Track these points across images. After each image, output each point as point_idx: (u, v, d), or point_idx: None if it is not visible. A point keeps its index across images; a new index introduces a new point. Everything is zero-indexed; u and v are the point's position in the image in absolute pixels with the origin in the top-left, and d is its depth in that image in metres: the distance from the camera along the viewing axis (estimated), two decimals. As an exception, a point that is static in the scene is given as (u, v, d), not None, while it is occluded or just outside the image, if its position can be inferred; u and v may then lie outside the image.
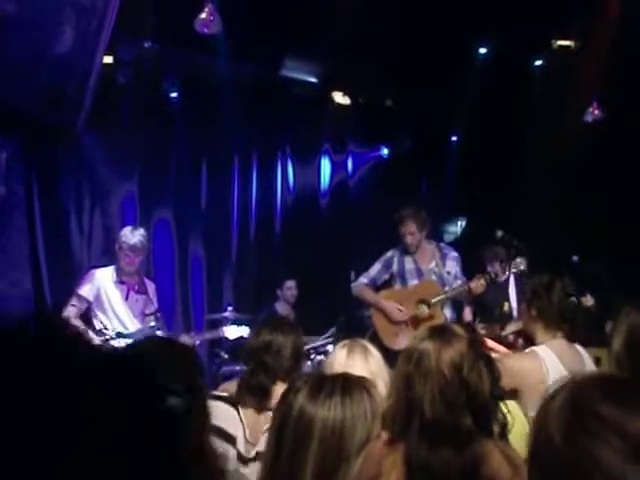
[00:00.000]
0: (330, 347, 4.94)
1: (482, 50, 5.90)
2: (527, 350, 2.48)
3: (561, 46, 5.41)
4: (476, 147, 6.19)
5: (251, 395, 2.08)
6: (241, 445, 2.01)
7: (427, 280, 4.26)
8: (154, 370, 0.87)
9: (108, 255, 4.08)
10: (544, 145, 5.88)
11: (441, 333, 1.64)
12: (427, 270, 4.27)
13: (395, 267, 4.30)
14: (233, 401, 2.08)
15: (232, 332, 4.34)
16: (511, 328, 4.03)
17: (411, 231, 4.23)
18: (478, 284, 4.09)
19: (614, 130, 5.37)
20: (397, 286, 4.32)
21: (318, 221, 6.83)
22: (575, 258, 4.69)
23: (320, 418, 1.23)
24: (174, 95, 5.69)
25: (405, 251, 4.30)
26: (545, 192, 5.82)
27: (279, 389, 2.02)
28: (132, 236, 3.99)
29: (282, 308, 5.80)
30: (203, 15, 4.47)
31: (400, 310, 4.16)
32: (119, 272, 4.04)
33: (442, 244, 4.59)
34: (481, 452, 1.49)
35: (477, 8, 5.01)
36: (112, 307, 4.00)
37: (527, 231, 4.88)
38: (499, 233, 4.03)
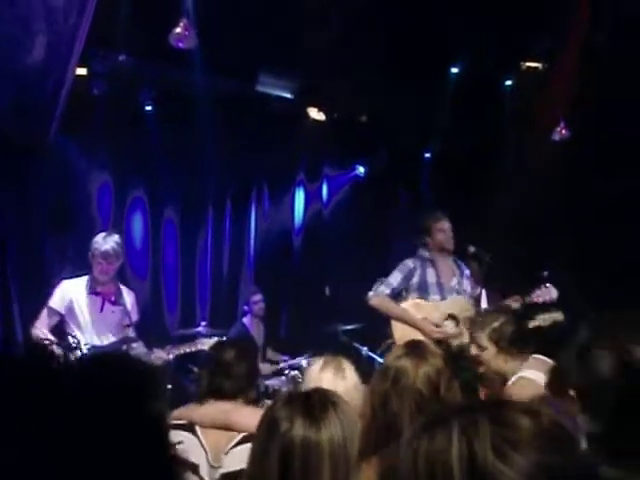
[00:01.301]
0: (304, 362, 4.94)
1: (454, 69, 6.02)
2: (516, 379, 2.53)
3: (529, 67, 5.56)
4: (450, 164, 6.30)
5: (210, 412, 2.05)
6: (204, 471, 1.96)
7: (457, 298, 4.07)
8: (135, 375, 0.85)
9: (84, 269, 3.92)
10: (515, 162, 6.01)
11: (417, 350, 1.65)
12: (449, 287, 4.09)
13: (416, 279, 4.05)
14: (191, 426, 2.02)
15: (210, 345, 4.15)
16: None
17: (448, 228, 4.10)
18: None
19: (581, 149, 5.52)
20: (413, 298, 4.04)
21: (293, 241, 6.87)
22: (545, 273, 4.78)
23: (326, 439, 1.25)
24: (149, 108, 5.67)
25: (427, 263, 4.09)
26: (516, 207, 5.93)
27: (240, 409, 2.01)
28: (104, 242, 3.75)
29: (250, 323, 5.79)
30: (178, 30, 4.45)
31: (438, 326, 3.94)
32: (93, 282, 3.81)
33: (456, 259, 4.31)
34: None
35: (449, 28, 5.13)
36: (85, 320, 3.78)
37: (500, 245, 4.96)
38: (471, 249, 4.09)
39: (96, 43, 4.23)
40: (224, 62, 5.30)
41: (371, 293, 4.08)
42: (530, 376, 2.46)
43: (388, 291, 4.03)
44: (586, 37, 5.13)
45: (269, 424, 1.30)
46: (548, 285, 3.96)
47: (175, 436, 1.75)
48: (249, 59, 5.45)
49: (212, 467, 1.98)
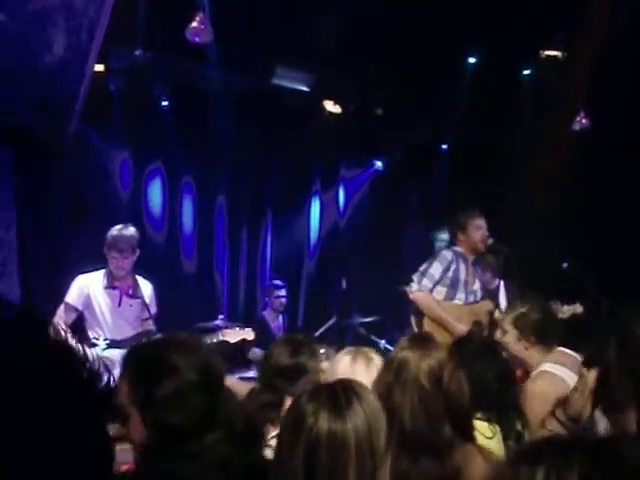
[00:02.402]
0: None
1: (471, 59, 5.96)
2: (537, 373, 2.53)
3: (549, 56, 5.48)
4: (466, 155, 6.24)
5: (260, 411, 2.06)
6: None
7: (486, 302, 3.98)
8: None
9: (101, 265, 3.92)
10: (533, 153, 5.93)
11: (421, 343, 1.64)
12: (471, 289, 3.99)
13: (451, 274, 3.90)
14: None
15: (232, 336, 3.97)
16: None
17: (484, 226, 3.99)
18: None
19: (601, 138, 5.43)
20: (440, 293, 3.89)
21: (310, 237, 6.88)
22: (564, 265, 4.73)
23: (352, 430, 1.24)
24: (165, 103, 5.71)
25: (461, 259, 3.96)
26: (534, 200, 5.87)
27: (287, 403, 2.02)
28: (120, 236, 3.67)
29: (270, 316, 5.83)
30: (194, 24, 4.47)
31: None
32: (109, 277, 3.75)
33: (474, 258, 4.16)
34: (462, 461, 1.50)
35: (466, 18, 5.07)
36: (103, 315, 3.75)
37: (517, 238, 4.91)
38: (489, 241, 4.06)
39: (113, 39, 4.26)
40: (240, 56, 5.31)
41: (415, 287, 3.87)
42: (554, 371, 2.45)
43: (431, 285, 3.86)
44: (605, 26, 5.04)
45: (295, 418, 1.29)
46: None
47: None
48: (265, 52, 5.45)
49: None
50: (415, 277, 3.91)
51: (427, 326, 3.83)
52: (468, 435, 1.55)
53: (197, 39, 4.49)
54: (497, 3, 4.97)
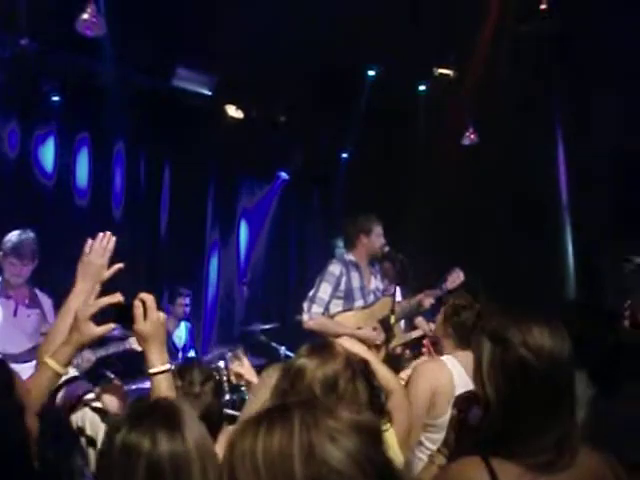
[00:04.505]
0: (229, 353, 4.88)
1: (371, 72, 6.16)
2: (434, 359, 2.63)
3: (442, 74, 5.80)
4: (364, 165, 6.43)
5: None
6: None
7: (384, 299, 4.02)
8: None
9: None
10: (428, 164, 6.23)
11: (320, 351, 1.65)
12: (368, 290, 4.03)
13: (342, 287, 3.92)
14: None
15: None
16: (401, 340, 4.22)
17: (382, 233, 4.03)
18: (428, 301, 4.03)
19: (488, 153, 5.82)
20: (337, 306, 3.89)
21: (206, 241, 6.74)
22: (456, 269, 4.99)
23: (193, 446, 1.20)
24: (56, 99, 5.37)
25: (352, 267, 3.98)
26: (429, 207, 6.16)
27: None
28: (18, 241, 3.40)
29: (171, 324, 5.66)
30: (85, 16, 4.22)
31: (375, 329, 3.88)
32: (4, 284, 3.45)
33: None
34: None
35: (366, 32, 5.23)
36: None
37: (413, 244, 5.13)
38: (385, 249, 4.13)
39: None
40: (139, 54, 5.11)
41: (306, 317, 3.84)
42: (448, 363, 2.50)
43: (322, 309, 3.84)
44: (488, 50, 5.44)
45: (126, 448, 1.18)
46: (455, 269, 4.10)
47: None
48: (166, 52, 5.29)
49: None
50: (305, 305, 3.87)
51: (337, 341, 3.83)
52: None
53: (88, 32, 4.24)
54: (394, 19, 5.17)
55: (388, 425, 1.74)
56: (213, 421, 1.78)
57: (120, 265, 1.92)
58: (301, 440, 0.84)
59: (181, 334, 5.66)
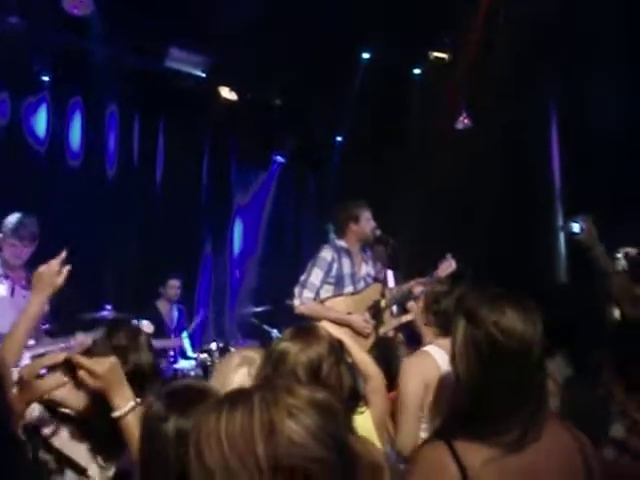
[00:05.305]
0: (213, 346, 4.93)
1: (365, 55, 6.10)
2: (418, 352, 2.57)
3: (437, 57, 5.74)
4: (359, 148, 6.41)
5: None
6: (95, 473, 1.85)
7: (374, 285, 4.00)
8: None
9: None
10: (422, 147, 6.21)
11: (304, 335, 1.63)
12: (359, 277, 4.02)
13: (334, 272, 3.92)
14: None
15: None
16: (392, 324, 4.23)
17: (371, 217, 4.02)
18: (419, 288, 3.91)
19: (483, 137, 5.79)
20: (328, 291, 3.89)
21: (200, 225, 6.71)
22: (448, 255, 4.99)
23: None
24: (46, 79, 5.32)
25: (343, 253, 3.98)
26: (423, 190, 6.15)
27: None
28: (20, 223, 3.43)
29: (163, 306, 5.68)
30: (73, -6, 4.17)
31: (367, 322, 3.84)
32: (3, 264, 3.49)
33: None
34: None
35: (362, 14, 5.18)
36: None
37: (404, 230, 5.12)
38: (377, 232, 4.13)
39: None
40: (130, 34, 5.05)
41: (297, 302, 3.84)
42: (432, 353, 2.48)
43: (313, 294, 3.85)
44: (483, 35, 5.38)
45: (182, 433, 1.21)
46: (447, 257, 4.09)
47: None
48: (158, 32, 5.23)
49: (103, 468, 1.89)
50: (296, 290, 3.87)
51: (326, 325, 3.81)
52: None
53: (75, 11, 4.18)
54: (389, 2, 5.12)
55: (364, 408, 1.74)
56: (145, 374, 1.78)
57: (64, 254, 2.13)
58: (261, 418, 0.86)
59: (172, 316, 5.69)
